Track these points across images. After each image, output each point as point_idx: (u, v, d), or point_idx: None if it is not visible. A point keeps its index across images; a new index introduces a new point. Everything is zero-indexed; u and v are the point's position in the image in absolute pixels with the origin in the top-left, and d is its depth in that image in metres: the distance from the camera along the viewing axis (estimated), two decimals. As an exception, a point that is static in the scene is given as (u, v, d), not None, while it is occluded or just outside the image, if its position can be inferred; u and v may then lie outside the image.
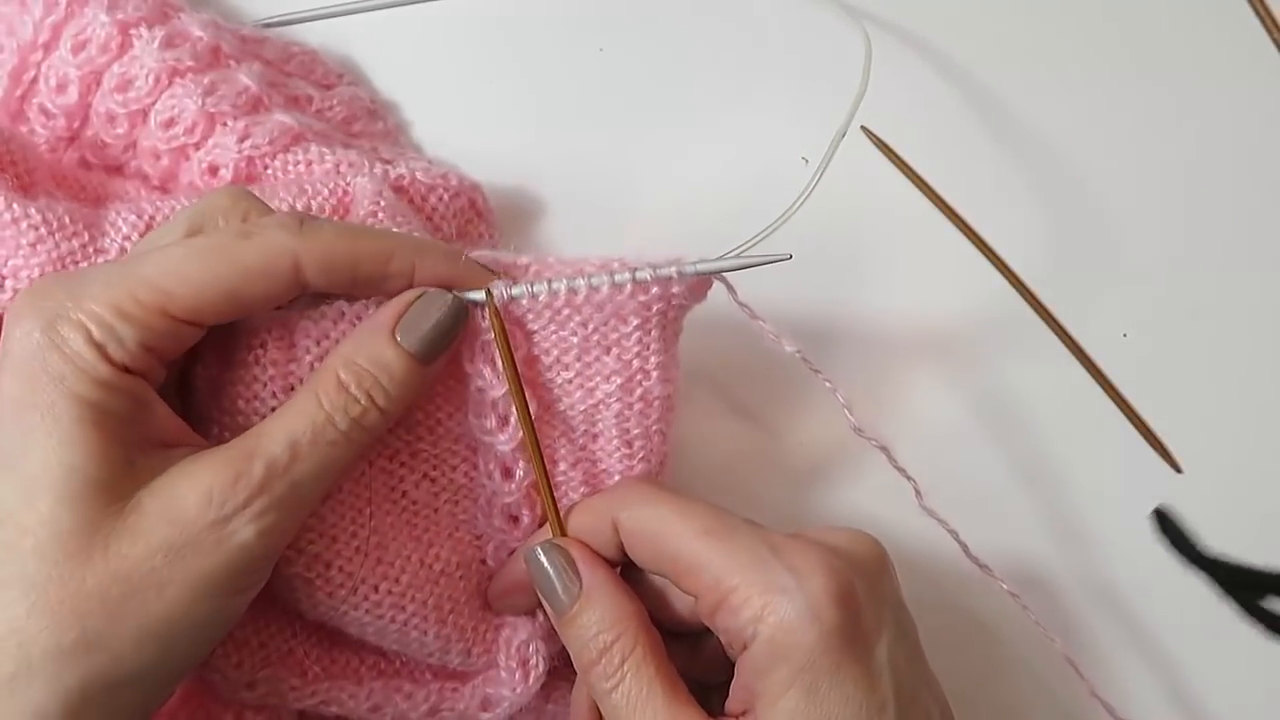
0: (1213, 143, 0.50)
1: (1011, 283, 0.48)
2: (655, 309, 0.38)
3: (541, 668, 0.40)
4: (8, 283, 0.36)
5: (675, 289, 0.37)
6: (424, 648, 0.38)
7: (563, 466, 0.40)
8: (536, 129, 0.50)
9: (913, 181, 0.49)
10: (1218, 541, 0.46)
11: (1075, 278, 0.49)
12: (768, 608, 0.33)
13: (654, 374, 0.38)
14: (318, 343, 0.36)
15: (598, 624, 0.35)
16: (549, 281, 0.37)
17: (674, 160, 0.50)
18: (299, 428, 0.33)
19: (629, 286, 0.37)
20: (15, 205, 0.36)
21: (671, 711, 0.34)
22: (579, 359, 0.38)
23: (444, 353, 0.36)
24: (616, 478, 0.39)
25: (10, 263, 0.36)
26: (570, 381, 0.39)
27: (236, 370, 0.36)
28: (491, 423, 0.39)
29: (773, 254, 0.37)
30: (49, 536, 0.30)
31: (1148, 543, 0.45)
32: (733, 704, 0.35)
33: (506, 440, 0.39)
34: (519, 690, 0.39)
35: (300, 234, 0.34)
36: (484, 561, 0.40)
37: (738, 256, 0.38)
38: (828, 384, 0.40)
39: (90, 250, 0.37)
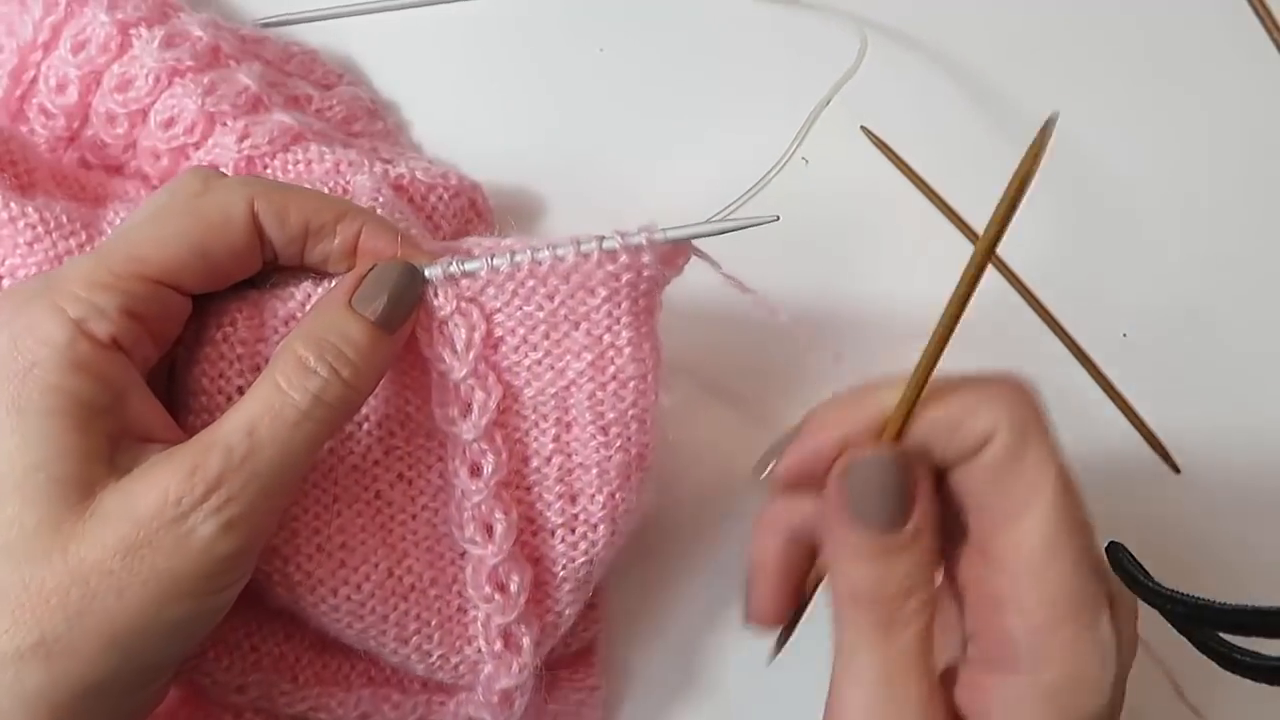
0: (1213, 142, 0.50)
1: (1012, 283, 0.48)
2: (625, 279, 0.36)
3: (524, 698, 0.38)
4: (5, 282, 0.36)
5: (645, 258, 0.36)
6: (380, 652, 0.37)
7: (534, 463, 0.37)
8: (536, 129, 0.50)
9: (912, 181, 0.49)
10: (1217, 541, 0.46)
11: (1075, 278, 0.49)
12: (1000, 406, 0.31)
13: (625, 350, 0.36)
14: (285, 323, 0.36)
15: (914, 569, 0.31)
16: (511, 254, 0.36)
17: (674, 160, 0.49)
18: (256, 412, 0.32)
19: (596, 255, 0.35)
20: (13, 204, 0.36)
21: (926, 698, 0.30)
22: (547, 336, 0.36)
23: (404, 322, 0.35)
24: (594, 471, 0.37)
25: (8, 261, 0.36)
26: (539, 362, 0.37)
27: (204, 348, 0.35)
28: (455, 410, 0.37)
29: (756, 217, 0.35)
30: (15, 539, 0.29)
31: (1147, 542, 0.45)
32: (975, 618, 0.32)
33: (470, 428, 0.36)
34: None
35: (254, 184, 0.34)
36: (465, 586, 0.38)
37: (718, 221, 0.36)
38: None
39: (88, 250, 0.37)
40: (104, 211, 0.38)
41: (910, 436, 0.31)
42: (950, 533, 0.33)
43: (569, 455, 0.37)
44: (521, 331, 0.36)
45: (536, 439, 0.37)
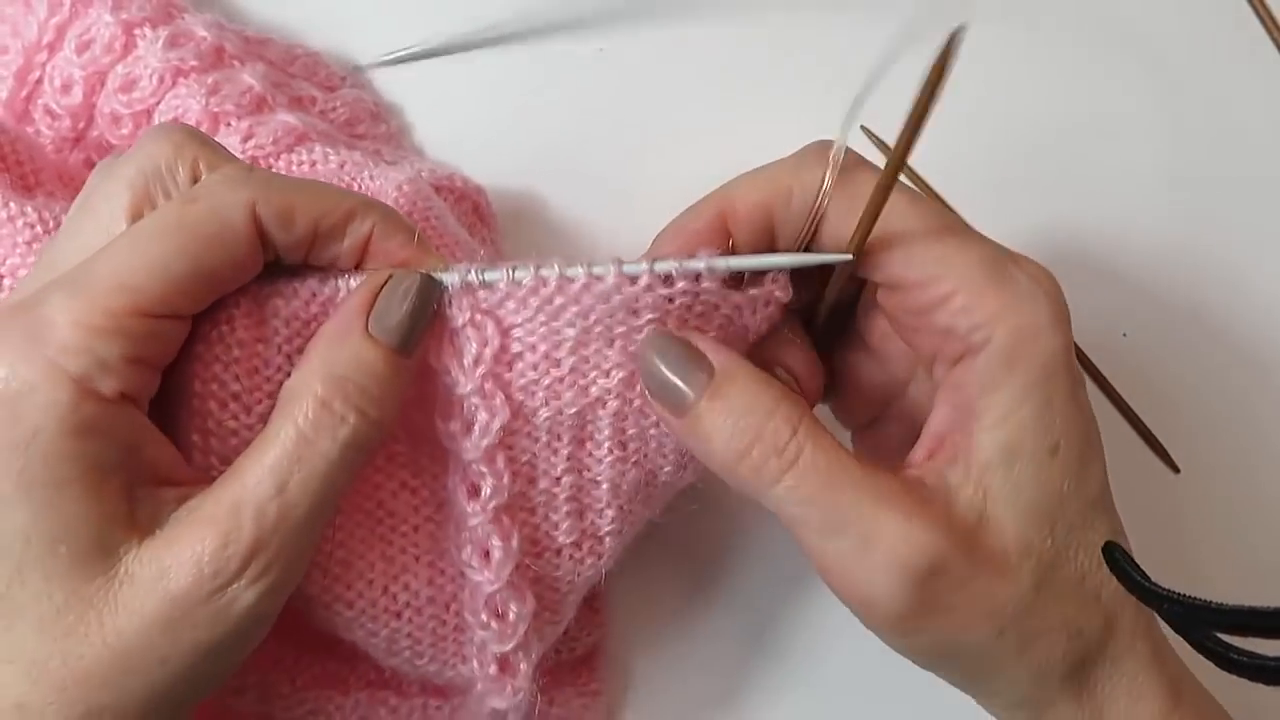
0: (1214, 143, 0.50)
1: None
2: (678, 302, 0.33)
3: (520, 713, 0.36)
4: (5, 281, 0.36)
5: (705, 283, 0.33)
6: (369, 652, 0.36)
7: (543, 484, 0.35)
8: (537, 129, 0.50)
9: (913, 181, 0.49)
10: (1217, 541, 0.46)
11: (1075, 278, 0.48)
12: (1009, 309, 0.30)
13: None
14: (287, 324, 0.33)
15: (749, 400, 0.31)
16: (535, 266, 0.33)
17: (674, 161, 0.50)
18: (284, 465, 0.29)
19: (646, 278, 0.32)
20: (12, 203, 0.36)
21: (871, 476, 0.30)
22: (574, 352, 0.33)
23: (422, 341, 0.33)
24: (605, 485, 0.35)
25: (8, 261, 0.36)
26: (561, 380, 0.34)
27: (197, 345, 0.32)
28: (457, 426, 0.34)
29: (831, 254, 0.33)
30: (46, 613, 0.28)
31: (1147, 542, 0.45)
32: (925, 445, 0.32)
33: (472, 447, 0.34)
34: None
35: (252, 183, 0.31)
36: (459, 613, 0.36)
37: (787, 254, 0.33)
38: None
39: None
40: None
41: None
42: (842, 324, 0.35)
43: (581, 472, 0.35)
44: (544, 348, 0.33)
45: (548, 459, 0.35)
